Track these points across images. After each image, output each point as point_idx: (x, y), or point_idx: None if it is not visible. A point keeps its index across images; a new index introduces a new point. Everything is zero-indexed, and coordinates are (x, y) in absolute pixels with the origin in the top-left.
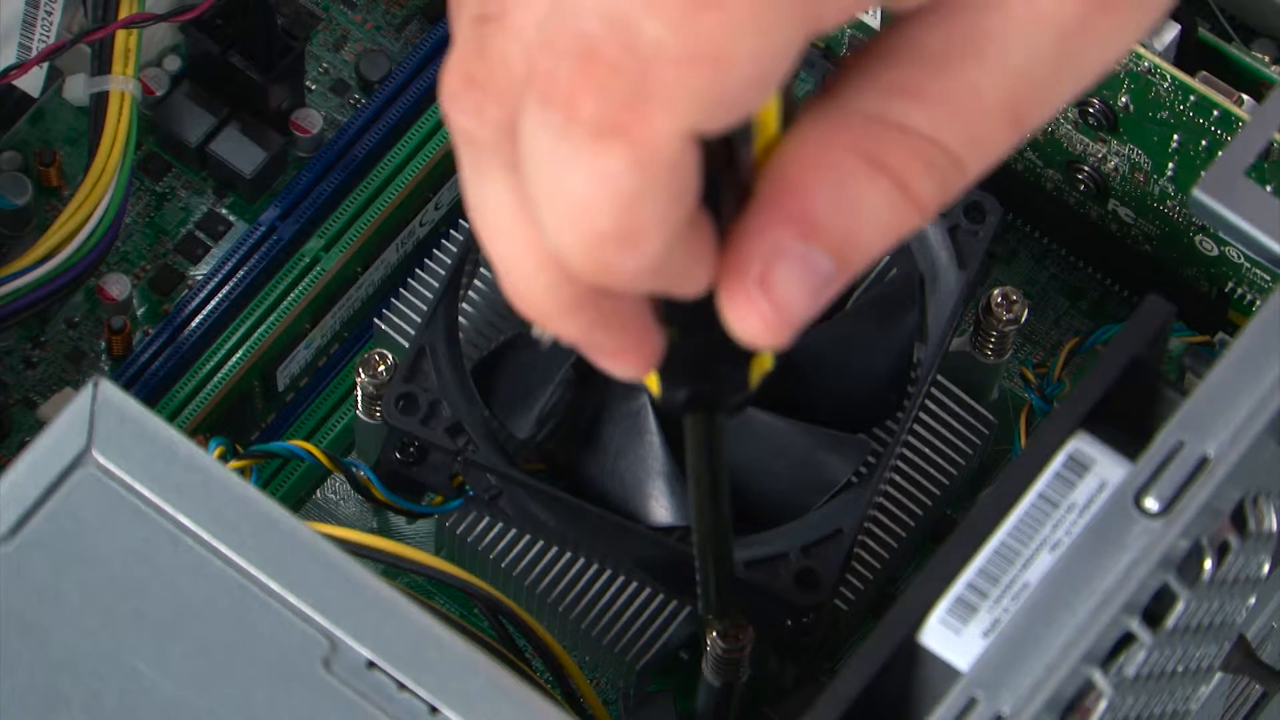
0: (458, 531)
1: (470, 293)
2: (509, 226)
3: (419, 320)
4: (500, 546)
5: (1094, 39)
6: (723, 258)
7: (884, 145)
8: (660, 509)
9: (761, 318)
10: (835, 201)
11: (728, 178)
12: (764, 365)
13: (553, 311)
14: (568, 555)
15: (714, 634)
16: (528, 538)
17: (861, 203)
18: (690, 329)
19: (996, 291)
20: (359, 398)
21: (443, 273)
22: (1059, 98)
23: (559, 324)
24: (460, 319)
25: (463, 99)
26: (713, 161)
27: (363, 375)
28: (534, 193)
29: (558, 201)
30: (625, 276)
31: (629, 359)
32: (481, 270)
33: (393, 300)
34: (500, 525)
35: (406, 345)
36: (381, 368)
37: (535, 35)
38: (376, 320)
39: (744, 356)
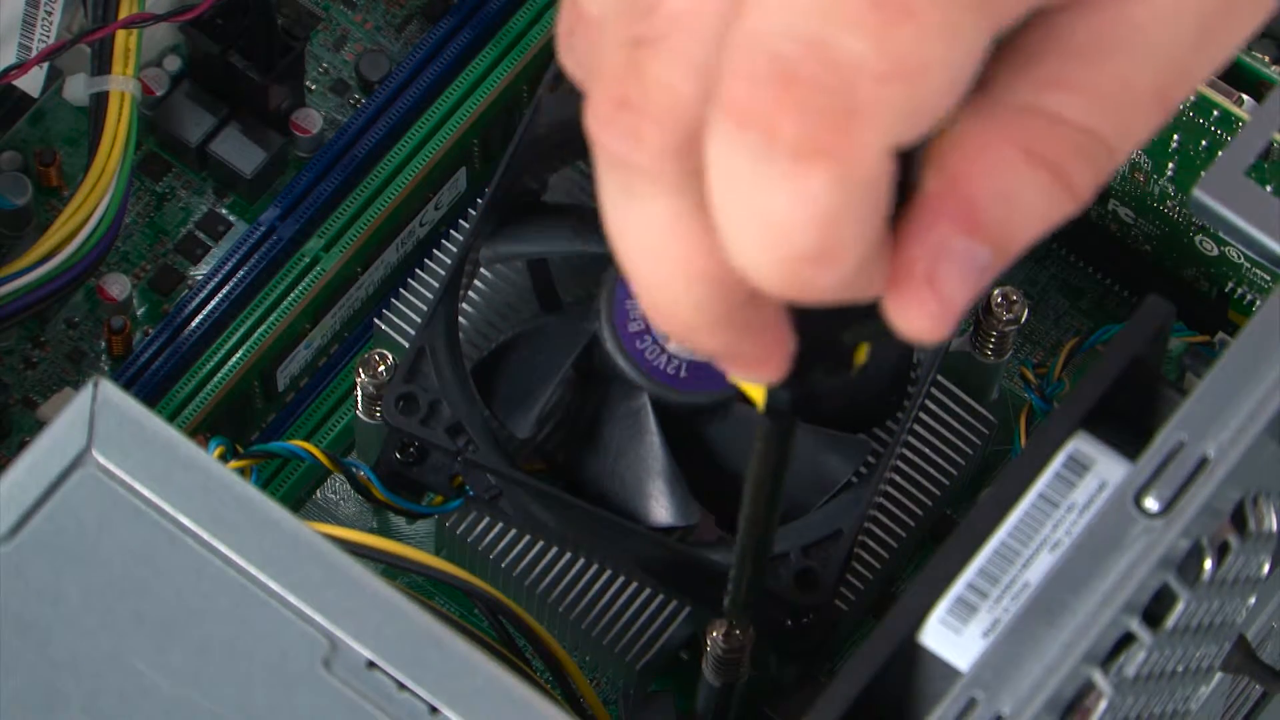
0: (458, 532)
1: (470, 293)
2: (661, 247)
3: (419, 320)
4: (500, 547)
5: (1233, 20)
6: (893, 262)
7: (1041, 137)
8: (660, 509)
9: (930, 314)
10: (997, 195)
11: (905, 181)
12: (860, 359)
13: (700, 327)
14: (568, 555)
15: (714, 634)
16: (528, 538)
17: (1022, 194)
18: (811, 331)
19: (996, 291)
20: (359, 398)
21: (443, 273)
22: (1201, 76)
23: (705, 338)
24: (460, 319)
25: (617, 123)
26: (899, 168)
27: (363, 375)
28: (726, 215)
29: (756, 223)
30: (820, 291)
31: (770, 365)
32: (481, 270)
33: (393, 300)
34: (500, 525)
35: (406, 345)
36: (381, 368)
37: (707, 58)
38: (376, 320)
39: (849, 354)
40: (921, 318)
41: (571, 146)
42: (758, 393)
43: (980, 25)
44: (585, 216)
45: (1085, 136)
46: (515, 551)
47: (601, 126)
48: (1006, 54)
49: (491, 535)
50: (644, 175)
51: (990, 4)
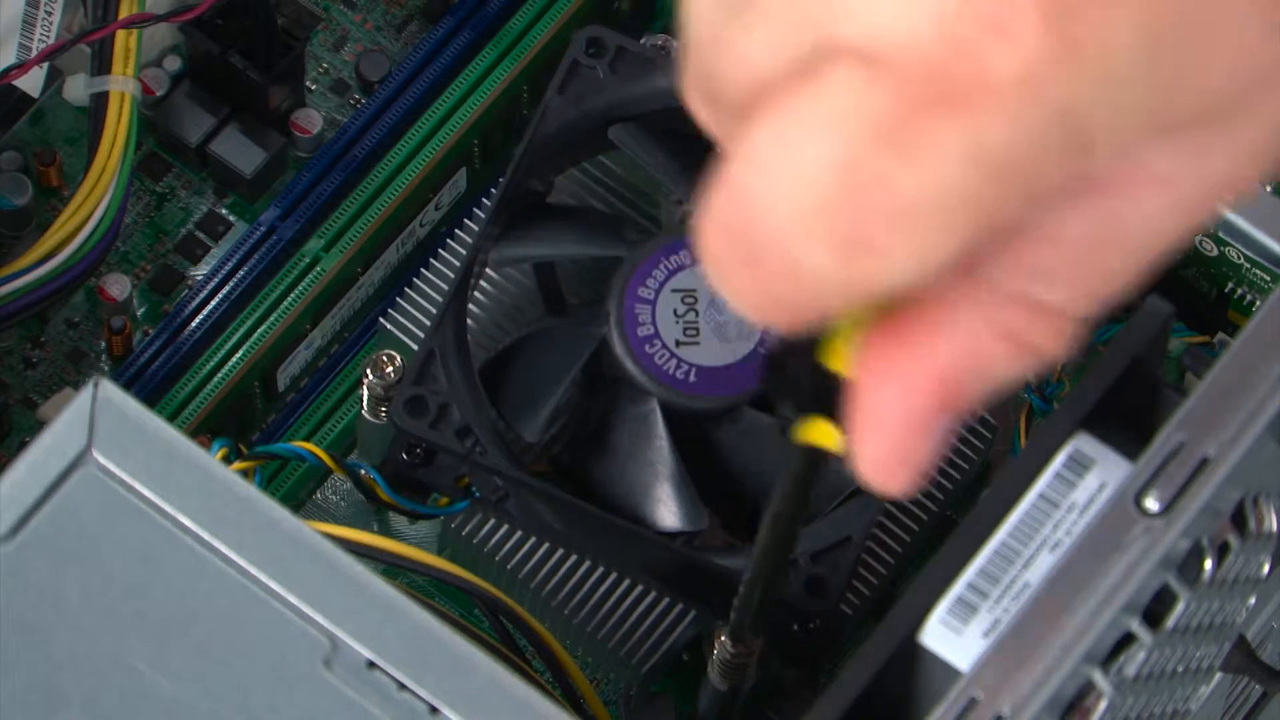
0: (463, 533)
1: (477, 294)
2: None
3: (425, 320)
4: (506, 549)
5: (1213, 205)
6: (865, 431)
7: (1025, 324)
8: (667, 514)
9: (904, 477)
10: (977, 375)
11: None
12: (827, 437)
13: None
14: (573, 558)
15: (722, 639)
16: (533, 540)
17: (998, 371)
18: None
19: None
20: (365, 398)
21: (449, 273)
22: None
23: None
24: (467, 320)
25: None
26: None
27: (370, 376)
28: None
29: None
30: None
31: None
32: (489, 271)
33: (398, 300)
34: (506, 527)
35: (412, 345)
36: (389, 369)
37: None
38: (382, 320)
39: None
40: (897, 480)
41: (578, 149)
42: (828, 436)
43: (949, 250)
44: (592, 219)
45: (1067, 320)
46: (521, 553)
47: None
48: (996, 237)
49: (497, 537)
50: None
51: (960, 234)
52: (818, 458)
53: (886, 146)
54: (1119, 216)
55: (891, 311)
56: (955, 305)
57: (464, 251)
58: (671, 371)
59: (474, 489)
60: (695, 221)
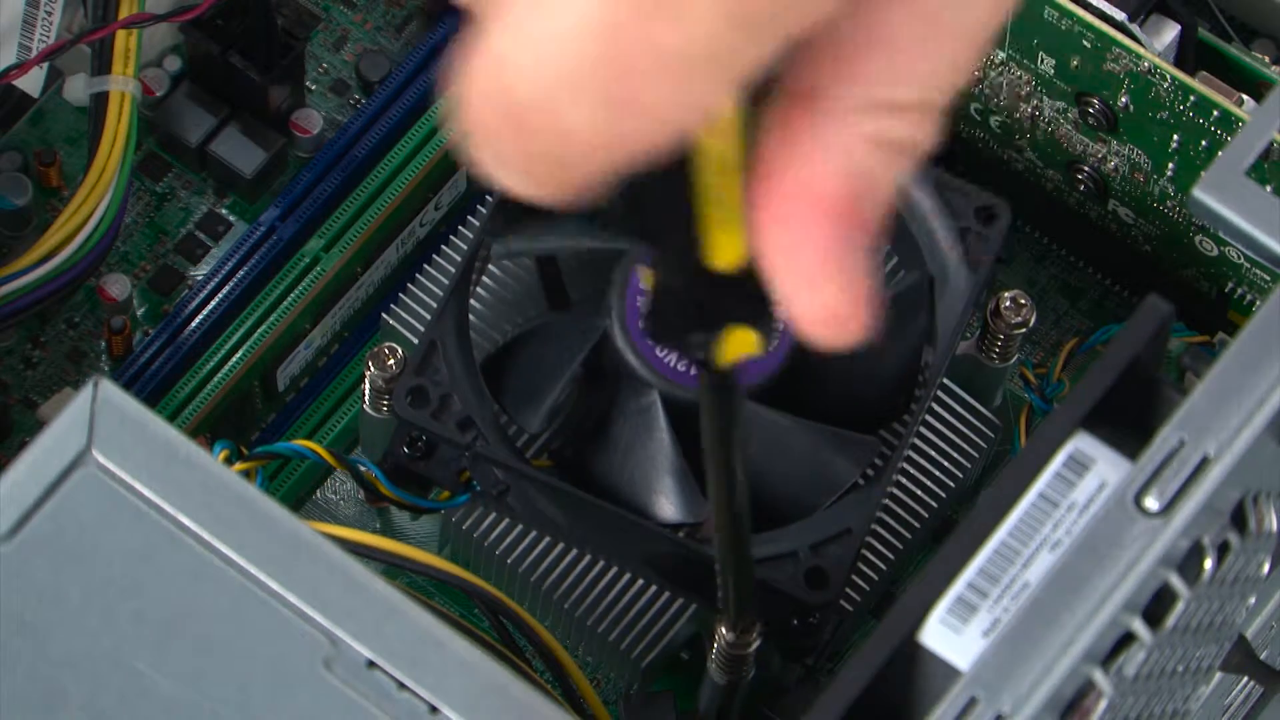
0: (464, 527)
1: (479, 289)
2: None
3: (428, 315)
4: (506, 543)
5: None
6: (794, 288)
7: (892, 125)
8: (668, 506)
9: (856, 316)
10: (869, 188)
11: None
12: (746, 344)
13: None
14: (574, 551)
15: (722, 629)
16: (534, 534)
17: (880, 176)
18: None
19: (1006, 295)
20: (366, 391)
21: (451, 269)
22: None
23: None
24: (470, 315)
25: None
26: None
27: (372, 369)
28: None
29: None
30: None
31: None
32: (491, 266)
33: (401, 296)
34: (506, 521)
35: (414, 340)
36: (391, 361)
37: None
38: (385, 315)
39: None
40: (850, 323)
41: None
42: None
43: (711, 101)
44: (595, 213)
45: (922, 109)
46: (521, 547)
47: None
48: (825, 59)
49: (498, 531)
50: None
51: (731, 70)
52: (726, 382)
53: (647, 6)
54: (935, 11)
55: (752, 169)
56: (816, 130)
57: (465, 246)
58: (673, 364)
59: (474, 483)
60: (455, 95)
